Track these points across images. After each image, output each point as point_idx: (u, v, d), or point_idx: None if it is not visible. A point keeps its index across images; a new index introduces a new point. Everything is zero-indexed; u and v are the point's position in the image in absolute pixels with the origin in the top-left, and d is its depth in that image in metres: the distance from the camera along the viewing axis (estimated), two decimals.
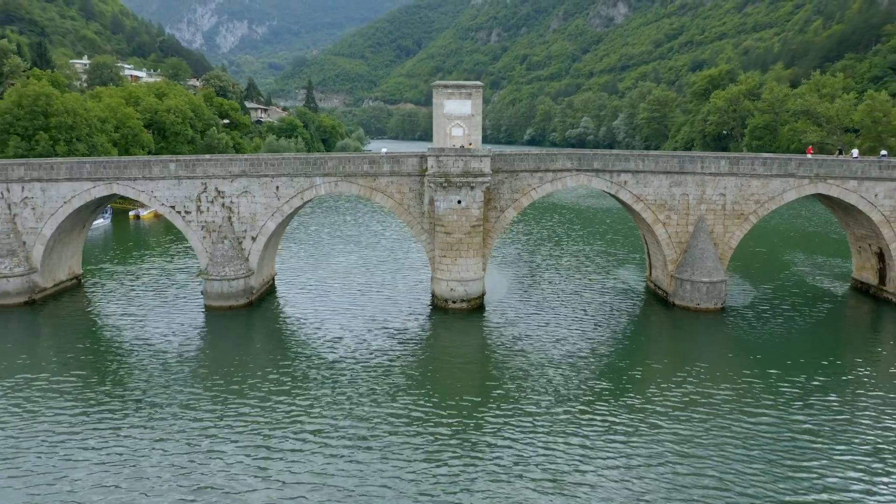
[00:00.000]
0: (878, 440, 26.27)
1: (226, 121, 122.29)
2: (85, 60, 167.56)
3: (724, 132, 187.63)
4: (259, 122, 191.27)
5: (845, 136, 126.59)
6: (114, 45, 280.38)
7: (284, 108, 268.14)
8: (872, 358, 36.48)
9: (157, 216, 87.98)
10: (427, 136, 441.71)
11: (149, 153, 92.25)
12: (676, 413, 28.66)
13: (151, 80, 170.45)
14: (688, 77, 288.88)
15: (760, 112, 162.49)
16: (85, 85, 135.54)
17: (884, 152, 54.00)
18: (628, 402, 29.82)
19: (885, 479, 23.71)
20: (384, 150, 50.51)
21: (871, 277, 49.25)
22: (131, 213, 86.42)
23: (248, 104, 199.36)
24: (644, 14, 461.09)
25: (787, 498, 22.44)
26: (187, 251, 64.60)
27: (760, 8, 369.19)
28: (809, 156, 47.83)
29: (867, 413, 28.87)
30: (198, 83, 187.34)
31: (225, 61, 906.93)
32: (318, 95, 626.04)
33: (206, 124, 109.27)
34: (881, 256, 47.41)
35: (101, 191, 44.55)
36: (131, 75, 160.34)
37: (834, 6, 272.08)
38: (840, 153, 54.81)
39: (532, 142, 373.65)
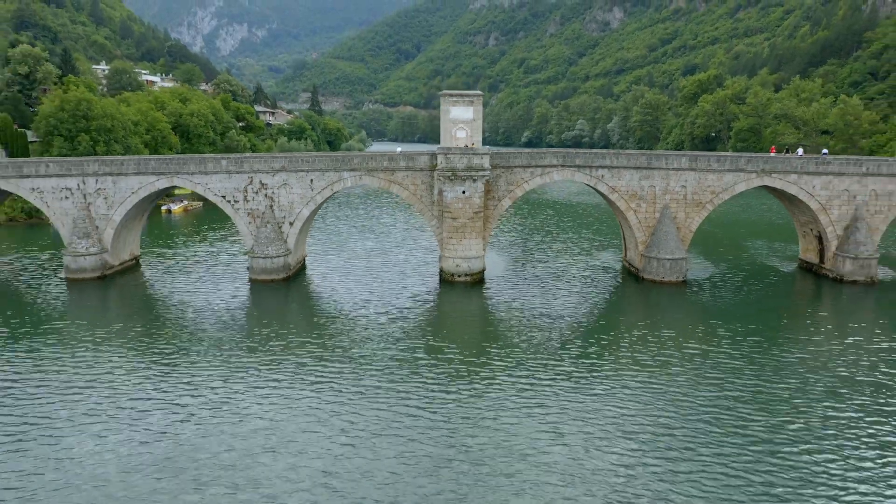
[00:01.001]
0: (817, 385, 34.21)
1: (241, 123, 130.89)
2: (103, 66, 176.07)
3: (712, 134, 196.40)
4: (269, 124, 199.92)
5: (820, 137, 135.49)
6: (123, 49, 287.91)
7: (289, 112, 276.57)
8: (813, 322, 44.99)
9: (187, 210, 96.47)
10: (425, 138, 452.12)
11: (176, 154, 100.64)
12: (643, 362, 37.17)
13: (167, 84, 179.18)
14: (680, 81, 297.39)
15: (745, 115, 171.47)
16: (105, 90, 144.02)
17: (825, 150, 62.74)
18: (602, 354, 38.35)
19: (818, 416, 32.09)
20: (399, 149, 59.28)
21: (813, 258, 57.94)
22: (163, 208, 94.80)
23: (257, 108, 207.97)
24: (639, 19, 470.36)
25: (734, 432, 30.78)
26: (224, 237, 73.19)
27: (752, 13, 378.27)
28: (772, 154, 56.58)
29: (807, 364, 37.19)
30: (208, 87, 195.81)
31: (225, 64, 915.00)
32: (320, 98, 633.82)
33: (225, 127, 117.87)
34: (820, 239, 56.09)
35: (163, 183, 53.16)
36: (147, 80, 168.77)
37: (821, 13, 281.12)
38: (787, 152, 63.36)
39: (529, 143, 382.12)
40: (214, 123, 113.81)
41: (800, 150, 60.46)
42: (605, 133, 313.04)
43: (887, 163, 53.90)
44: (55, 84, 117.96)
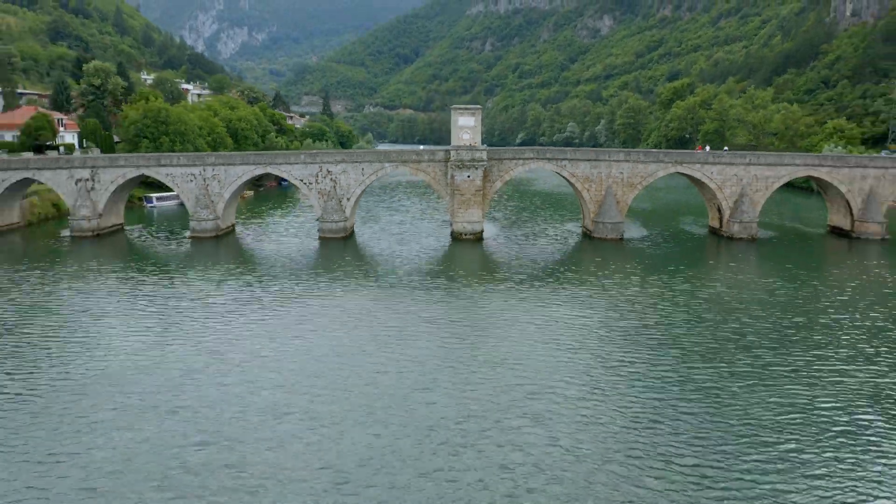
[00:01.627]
0: (704, 302, 57.54)
1: (276, 127, 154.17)
2: (145, 76, 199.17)
3: (686, 136, 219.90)
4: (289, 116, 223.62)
5: (768, 138, 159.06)
6: (147, 58, 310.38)
7: (302, 115, 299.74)
8: (710, 264, 68.30)
9: (244, 197, 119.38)
10: (425, 139, 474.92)
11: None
12: (589, 285, 60.34)
13: (198, 92, 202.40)
14: (659, 88, 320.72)
15: (711, 119, 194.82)
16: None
17: (726, 147, 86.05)
18: (562, 280, 61.27)
19: (701, 324, 55.23)
20: (421, 147, 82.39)
21: (716, 224, 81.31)
22: None
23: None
24: (628, 26, 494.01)
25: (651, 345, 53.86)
26: (289, 213, 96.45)
27: (732, 22, 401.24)
28: (697, 151, 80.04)
29: (699, 287, 60.35)
30: (234, 93, 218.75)
31: (227, 67, 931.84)
32: (321, 101, 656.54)
33: (265, 130, 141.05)
34: (720, 210, 79.45)
35: (260, 171, 76.41)
36: (184, 88, 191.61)
37: (792, 23, 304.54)
38: (703, 148, 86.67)
39: (523, 144, 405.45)
40: (257, 127, 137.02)
41: (707, 147, 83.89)
42: (593, 135, 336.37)
43: (764, 155, 77.37)
44: (121, 94, 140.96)
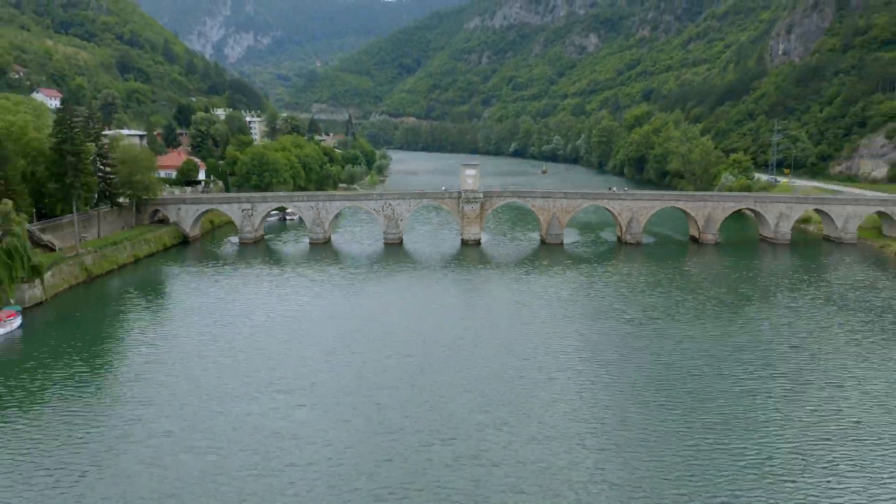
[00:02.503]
0: (608, 281, 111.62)
1: (328, 157, 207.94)
2: (220, 112, 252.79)
3: (643, 154, 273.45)
4: (315, 141, 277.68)
5: (691, 165, 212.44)
6: (194, 84, 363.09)
7: (327, 133, 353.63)
8: (615, 257, 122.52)
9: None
10: (427, 146, 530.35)
11: (297, 183, 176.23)
12: (541, 270, 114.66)
13: (256, 119, 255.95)
14: (626, 112, 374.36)
15: (658, 145, 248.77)
16: (228, 131, 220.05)
17: (625, 188, 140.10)
18: (525, 268, 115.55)
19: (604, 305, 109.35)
20: (443, 188, 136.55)
21: (619, 234, 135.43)
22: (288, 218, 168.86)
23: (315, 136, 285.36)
24: (610, 45, 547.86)
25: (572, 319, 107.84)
26: (354, 231, 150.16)
27: (700, 45, 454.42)
28: (608, 191, 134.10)
29: (599, 270, 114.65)
30: (279, 122, 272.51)
31: (236, 72, 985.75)
32: (330, 109, 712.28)
33: (322, 161, 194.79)
34: (620, 226, 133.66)
35: (347, 204, 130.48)
36: (248, 121, 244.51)
37: (746, 50, 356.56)
38: (610, 189, 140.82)
39: (515, 153, 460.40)
40: (318, 160, 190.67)
41: (614, 188, 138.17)
42: (575, 147, 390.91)
43: (643, 193, 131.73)
44: (220, 137, 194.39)
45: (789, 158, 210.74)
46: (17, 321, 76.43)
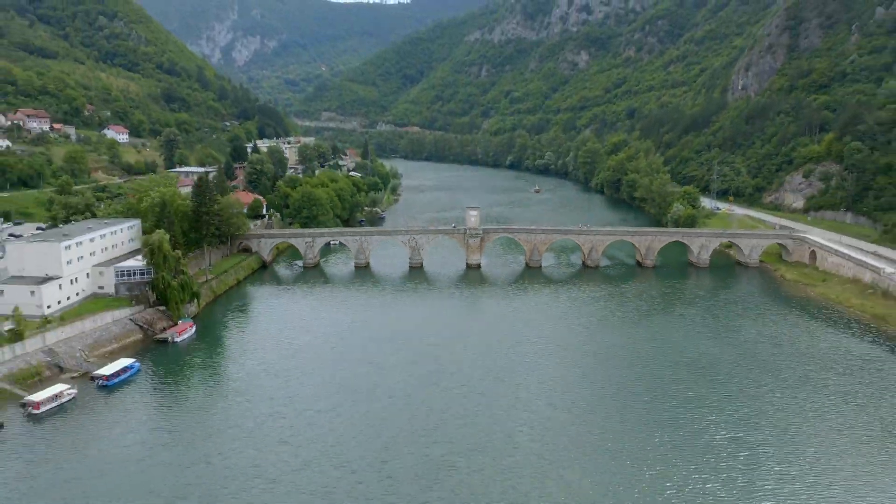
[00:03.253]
0: (570, 292, 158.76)
1: (356, 187, 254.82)
2: (265, 143, 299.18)
3: (618, 178, 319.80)
4: (341, 166, 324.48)
5: (651, 193, 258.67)
6: (227, 110, 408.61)
7: (344, 153, 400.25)
8: (577, 276, 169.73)
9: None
10: (430, 156, 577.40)
11: (335, 212, 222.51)
12: (525, 288, 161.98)
13: (289, 146, 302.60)
14: (608, 136, 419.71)
15: (630, 172, 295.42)
16: (271, 164, 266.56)
17: (588, 225, 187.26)
18: (516, 285, 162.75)
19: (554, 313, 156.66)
20: (453, 224, 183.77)
21: (583, 260, 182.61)
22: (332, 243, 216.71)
23: (340, 160, 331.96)
24: (600, 62, 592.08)
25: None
26: (390, 256, 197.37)
27: (679, 68, 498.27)
28: (576, 228, 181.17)
29: (570, 287, 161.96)
30: (307, 141, 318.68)
31: (244, 77, 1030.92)
32: (339, 118, 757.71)
33: (352, 192, 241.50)
34: (584, 253, 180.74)
35: (386, 239, 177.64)
36: (285, 150, 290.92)
37: (718, 75, 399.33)
38: (581, 225, 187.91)
39: (511, 166, 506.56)
40: (349, 191, 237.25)
41: (581, 224, 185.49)
42: (564, 163, 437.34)
43: (600, 230, 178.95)
44: (272, 174, 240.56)
45: (732, 188, 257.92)
46: (193, 329, 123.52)
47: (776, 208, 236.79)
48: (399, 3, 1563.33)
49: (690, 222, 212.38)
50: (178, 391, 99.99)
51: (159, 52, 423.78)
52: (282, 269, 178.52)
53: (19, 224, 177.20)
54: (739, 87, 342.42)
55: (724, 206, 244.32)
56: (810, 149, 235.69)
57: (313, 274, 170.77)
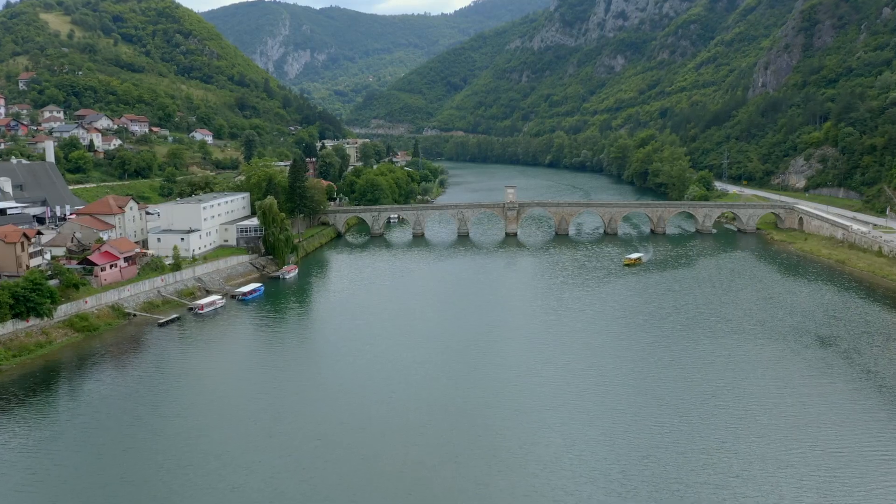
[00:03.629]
0: (589, 255, 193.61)
1: (410, 178, 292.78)
2: (328, 142, 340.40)
3: (646, 170, 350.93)
4: (395, 161, 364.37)
5: (671, 180, 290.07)
6: (291, 116, 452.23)
7: (396, 152, 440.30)
8: (599, 242, 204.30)
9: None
10: (473, 158, 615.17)
11: (393, 197, 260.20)
12: (554, 250, 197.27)
13: (349, 145, 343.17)
14: (651, 123, 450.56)
15: (655, 162, 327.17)
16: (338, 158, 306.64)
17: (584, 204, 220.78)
18: (547, 248, 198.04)
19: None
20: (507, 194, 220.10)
21: (604, 229, 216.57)
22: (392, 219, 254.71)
23: (394, 158, 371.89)
24: (635, 66, 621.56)
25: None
26: (440, 227, 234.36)
27: (710, 69, 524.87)
28: (597, 201, 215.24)
29: (592, 247, 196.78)
30: (357, 143, 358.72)
31: (296, 88, 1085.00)
32: (388, 125, 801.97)
33: (407, 182, 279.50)
34: (604, 223, 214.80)
35: (433, 211, 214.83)
36: (347, 148, 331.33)
37: (745, 74, 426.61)
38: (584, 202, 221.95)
39: (550, 165, 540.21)
40: (405, 180, 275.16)
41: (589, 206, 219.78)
42: (599, 160, 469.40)
43: (616, 203, 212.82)
44: (340, 166, 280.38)
45: (745, 173, 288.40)
46: (297, 270, 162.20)
47: (782, 188, 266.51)
48: (443, 14, 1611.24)
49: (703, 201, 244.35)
50: (289, 307, 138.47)
51: (229, 66, 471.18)
52: (353, 238, 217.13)
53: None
54: (760, 85, 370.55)
55: (735, 188, 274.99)
56: (812, 135, 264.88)
57: (378, 241, 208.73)
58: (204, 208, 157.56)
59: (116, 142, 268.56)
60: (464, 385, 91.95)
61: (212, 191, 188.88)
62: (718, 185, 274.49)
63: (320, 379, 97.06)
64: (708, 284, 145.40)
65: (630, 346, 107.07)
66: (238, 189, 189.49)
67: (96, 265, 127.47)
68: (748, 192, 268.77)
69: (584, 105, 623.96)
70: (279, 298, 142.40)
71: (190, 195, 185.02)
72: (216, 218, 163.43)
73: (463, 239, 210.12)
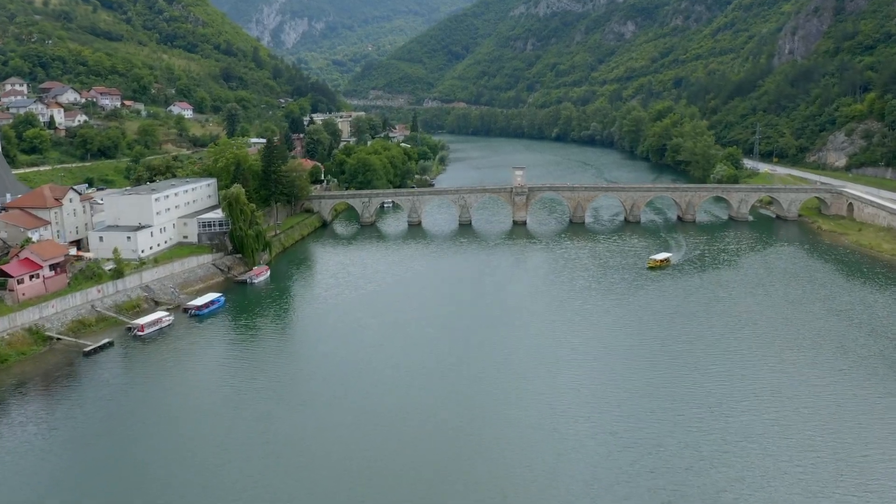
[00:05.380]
0: (608, 242, 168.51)
1: (406, 156, 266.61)
2: (318, 116, 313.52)
3: (664, 145, 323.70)
4: (392, 137, 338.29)
5: (694, 157, 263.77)
6: (282, 87, 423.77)
7: (393, 126, 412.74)
8: (619, 231, 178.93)
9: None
10: (476, 131, 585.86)
11: (388, 178, 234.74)
12: (567, 240, 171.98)
13: (342, 119, 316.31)
14: (664, 94, 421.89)
15: (675, 137, 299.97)
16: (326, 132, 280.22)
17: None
18: (561, 238, 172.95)
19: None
20: (492, 184, 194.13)
21: (624, 216, 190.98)
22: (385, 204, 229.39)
23: (390, 133, 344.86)
24: (646, 32, 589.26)
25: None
26: (439, 214, 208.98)
27: (727, 35, 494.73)
28: (617, 185, 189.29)
29: (613, 238, 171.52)
30: (351, 116, 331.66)
31: (293, 58, 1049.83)
32: (387, 96, 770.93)
33: (403, 160, 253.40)
34: (625, 209, 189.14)
35: (434, 198, 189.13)
36: (339, 123, 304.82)
37: (766, 41, 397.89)
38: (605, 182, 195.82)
39: (557, 139, 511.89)
40: (400, 159, 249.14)
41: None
42: (610, 133, 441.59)
43: (638, 187, 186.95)
44: (329, 144, 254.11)
45: (776, 149, 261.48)
46: (268, 272, 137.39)
47: (819, 167, 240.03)
48: None
49: (732, 182, 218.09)
50: (256, 322, 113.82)
51: (216, 34, 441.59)
52: (340, 228, 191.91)
53: (102, 190, 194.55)
54: (786, 52, 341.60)
55: (766, 167, 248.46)
56: (853, 108, 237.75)
57: (369, 231, 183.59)
58: (157, 199, 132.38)
59: (81, 118, 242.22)
60: (480, 457, 67.88)
61: (174, 175, 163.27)
62: (748, 162, 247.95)
63: (293, 439, 72.88)
64: (760, 291, 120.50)
65: (681, 387, 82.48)
66: (204, 174, 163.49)
67: (11, 277, 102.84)
68: (780, 170, 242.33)
69: (593, 75, 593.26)
70: (243, 312, 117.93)
71: (148, 181, 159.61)
72: (173, 210, 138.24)
73: (465, 228, 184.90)
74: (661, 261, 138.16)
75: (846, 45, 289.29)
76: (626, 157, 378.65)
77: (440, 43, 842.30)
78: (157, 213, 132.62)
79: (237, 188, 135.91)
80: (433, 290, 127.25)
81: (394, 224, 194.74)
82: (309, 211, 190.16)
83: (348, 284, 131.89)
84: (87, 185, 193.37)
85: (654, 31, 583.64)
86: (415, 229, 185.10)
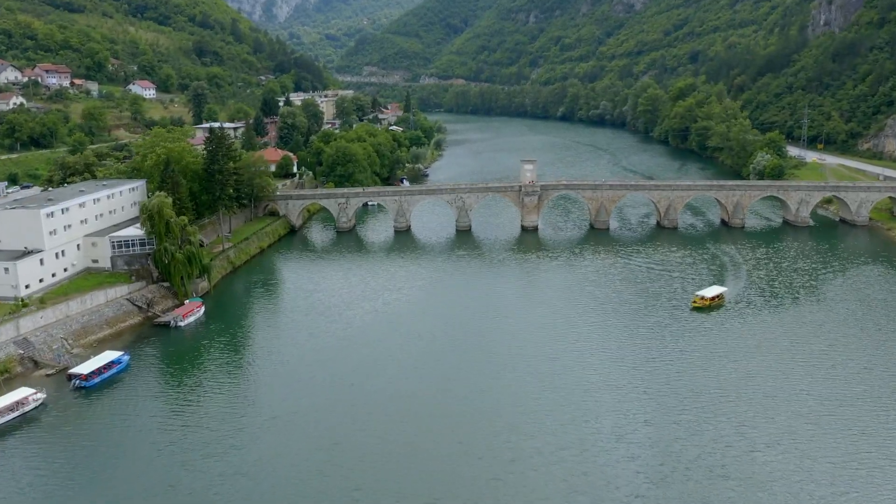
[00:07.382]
0: (640, 249, 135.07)
1: (396, 142, 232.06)
2: (296, 98, 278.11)
3: (687, 128, 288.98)
4: (381, 120, 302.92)
5: (728, 142, 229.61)
6: (263, 63, 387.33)
7: (385, 107, 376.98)
8: (655, 237, 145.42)
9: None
10: (476, 109, 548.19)
11: (373, 169, 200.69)
12: (588, 249, 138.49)
13: (326, 99, 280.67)
14: (681, 69, 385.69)
15: (701, 119, 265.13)
16: (304, 118, 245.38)
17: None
18: (580, 247, 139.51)
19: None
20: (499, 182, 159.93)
21: (658, 219, 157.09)
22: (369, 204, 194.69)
23: (380, 113, 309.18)
24: (658, 3, 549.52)
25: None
26: (432, 218, 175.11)
27: (747, 6, 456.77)
28: (647, 182, 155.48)
29: (646, 245, 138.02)
30: (343, 93, 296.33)
31: (285, 32, 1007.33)
32: (381, 72, 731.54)
33: (392, 148, 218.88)
34: (659, 212, 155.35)
35: (427, 198, 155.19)
36: (318, 102, 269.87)
37: (793, 11, 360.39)
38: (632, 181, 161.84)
39: (563, 118, 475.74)
40: (389, 146, 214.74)
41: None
42: (621, 113, 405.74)
43: (677, 186, 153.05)
44: (305, 129, 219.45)
45: (822, 134, 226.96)
46: (202, 310, 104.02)
47: (875, 156, 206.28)
48: None
49: (777, 174, 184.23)
50: (171, 392, 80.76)
51: (191, 4, 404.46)
52: (312, 234, 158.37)
53: (27, 188, 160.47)
54: (822, 23, 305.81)
55: (813, 155, 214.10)
56: None
57: (347, 240, 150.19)
58: (49, 215, 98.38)
59: (17, 100, 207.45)
60: None
61: (93, 177, 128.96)
62: (792, 150, 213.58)
63: None
64: (868, 344, 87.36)
65: None
66: (133, 174, 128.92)
67: None
68: (830, 160, 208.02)
69: (601, 49, 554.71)
70: (156, 377, 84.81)
71: (61, 184, 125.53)
72: (76, 227, 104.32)
73: (463, 235, 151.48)
74: (713, 298, 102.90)
75: (893, 15, 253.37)
76: (641, 141, 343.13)
77: (437, 15, 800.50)
78: (52, 233, 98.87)
79: (160, 198, 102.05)
80: (419, 339, 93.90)
81: (377, 230, 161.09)
82: (274, 214, 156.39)
83: (308, 326, 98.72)
84: (6, 183, 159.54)
85: (667, 1, 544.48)
86: (402, 237, 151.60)
